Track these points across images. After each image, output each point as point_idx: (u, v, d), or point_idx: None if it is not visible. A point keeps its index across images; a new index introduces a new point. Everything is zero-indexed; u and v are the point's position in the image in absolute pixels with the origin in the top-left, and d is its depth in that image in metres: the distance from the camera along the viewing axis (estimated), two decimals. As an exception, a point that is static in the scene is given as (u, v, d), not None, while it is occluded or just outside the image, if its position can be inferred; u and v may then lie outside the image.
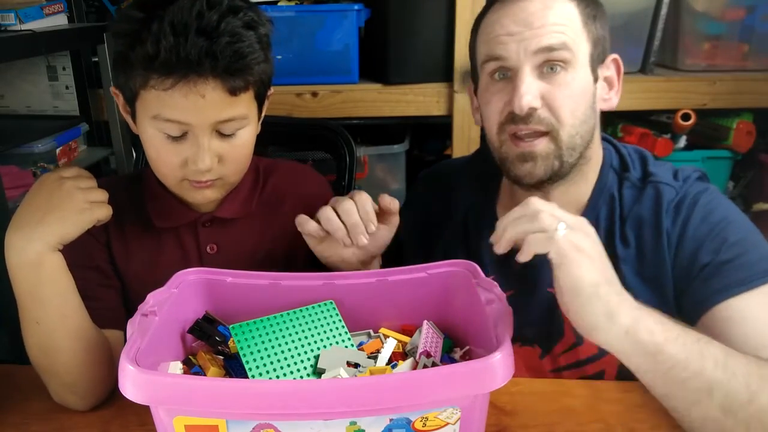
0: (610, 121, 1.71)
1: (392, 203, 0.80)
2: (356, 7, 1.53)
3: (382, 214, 0.80)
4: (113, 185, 0.89)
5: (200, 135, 0.80)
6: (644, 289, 0.83)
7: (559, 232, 0.60)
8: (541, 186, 0.86)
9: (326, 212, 0.78)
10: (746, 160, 1.70)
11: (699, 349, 0.62)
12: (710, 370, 0.61)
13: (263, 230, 0.97)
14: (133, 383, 0.53)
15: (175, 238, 0.94)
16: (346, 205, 0.77)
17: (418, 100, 1.59)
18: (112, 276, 0.93)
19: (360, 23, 1.55)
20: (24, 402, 0.81)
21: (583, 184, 0.88)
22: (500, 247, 0.65)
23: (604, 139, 0.92)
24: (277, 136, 1.35)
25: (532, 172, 0.83)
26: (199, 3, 0.76)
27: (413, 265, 0.76)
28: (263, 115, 0.92)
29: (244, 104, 0.83)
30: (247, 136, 0.86)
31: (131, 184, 0.98)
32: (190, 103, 0.77)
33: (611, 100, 0.88)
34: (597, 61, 0.84)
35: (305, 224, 0.79)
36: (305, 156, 1.63)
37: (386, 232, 0.83)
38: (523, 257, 0.62)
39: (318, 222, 0.79)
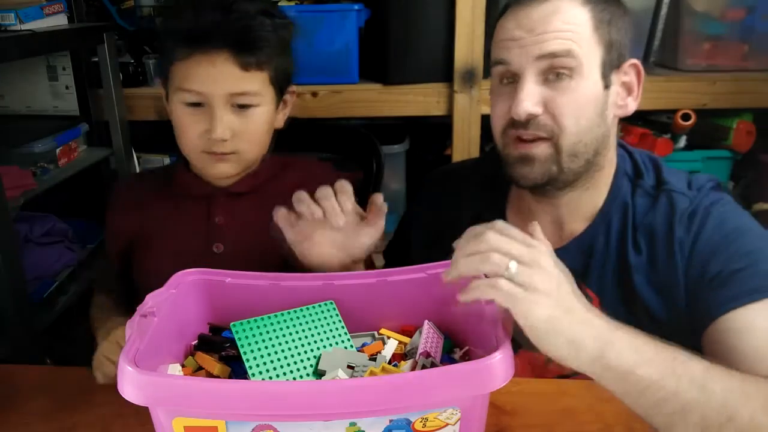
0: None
1: (382, 205, 0.80)
2: (356, 7, 1.53)
3: (369, 214, 0.81)
4: (146, 175, 1.13)
5: (215, 106, 0.91)
6: (656, 297, 0.82)
7: (510, 271, 0.59)
8: (546, 192, 0.85)
9: (300, 194, 0.79)
10: (746, 160, 1.69)
11: (673, 368, 0.60)
12: (685, 390, 0.60)
13: (270, 213, 1.01)
14: (132, 384, 0.53)
15: (188, 209, 1.02)
16: (325, 190, 0.78)
17: (418, 100, 1.59)
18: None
19: (360, 23, 1.55)
20: (24, 402, 0.81)
21: (596, 192, 0.87)
22: (448, 275, 0.63)
23: (618, 145, 0.90)
24: (302, 139, 1.35)
25: (528, 174, 0.82)
26: None
27: (413, 266, 0.76)
28: (287, 111, 1.03)
29: (257, 82, 0.92)
30: (260, 115, 0.95)
31: (162, 172, 1.12)
32: (204, 72, 0.89)
33: (627, 106, 0.86)
34: (611, 66, 0.82)
35: (278, 211, 0.81)
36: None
37: (370, 236, 0.82)
38: (463, 297, 0.61)
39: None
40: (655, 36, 1.60)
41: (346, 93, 1.59)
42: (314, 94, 1.58)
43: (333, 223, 0.78)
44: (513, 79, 0.82)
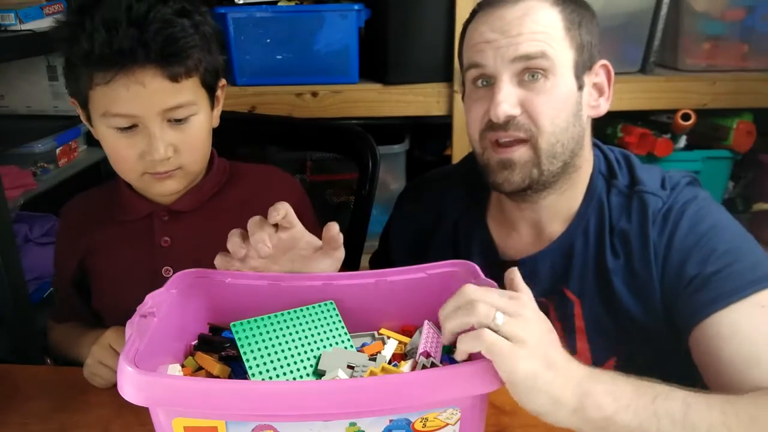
0: (610, 121, 1.71)
1: (336, 235, 0.73)
2: (356, 7, 1.53)
3: (324, 245, 0.75)
4: (90, 195, 1.03)
5: (150, 125, 0.83)
6: (634, 300, 0.82)
7: (497, 321, 0.56)
8: (526, 196, 0.85)
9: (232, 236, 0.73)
10: (746, 160, 1.69)
11: (654, 410, 0.59)
12: (667, 430, 0.59)
13: (222, 229, 0.92)
14: (132, 384, 0.53)
15: (132, 231, 0.97)
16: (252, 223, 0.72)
17: (418, 100, 1.59)
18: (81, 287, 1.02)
19: (360, 23, 1.55)
20: (24, 402, 0.81)
21: (574, 193, 0.87)
22: (445, 339, 0.61)
23: (593, 144, 0.90)
24: (293, 137, 1.35)
25: (509, 178, 0.82)
26: None
27: (412, 266, 0.75)
28: (220, 107, 0.95)
29: (189, 91, 0.85)
30: (199, 123, 0.88)
31: (107, 190, 1.03)
32: (133, 93, 0.81)
33: (599, 106, 0.87)
34: (582, 68, 0.83)
35: (217, 259, 0.74)
36: (309, 156, 1.63)
37: (328, 266, 0.76)
38: (459, 357, 0.58)
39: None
40: (655, 36, 1.60)
41: (346, 93, 1.59)
42: (314, 94, 1.58)
43: (259, 253, 0.70)
44: (488, 82, 0.83)
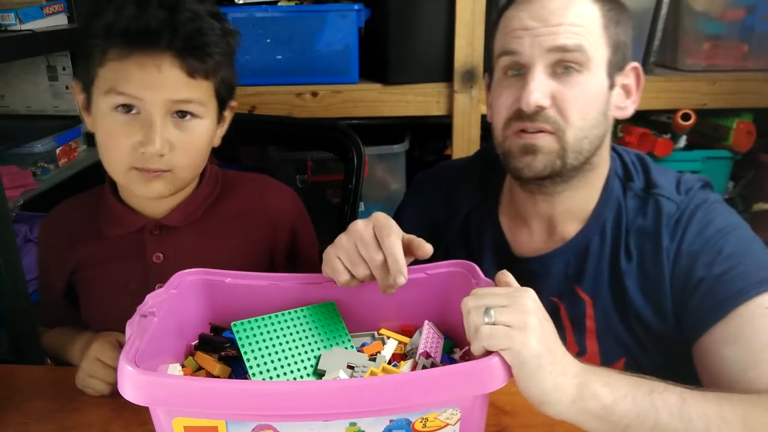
0: (610, 121, 1.71)
1: (425, 250, 0.70)
2: (356, 7, 1.53)
3: (411, 252, 0.71)
4: (75, 204, 0.99)
5: (154, 114, 0.80)
6: (646, 303, 0.82)
7: (489, 318, 0.57)
8: (543, 187, 0.85)
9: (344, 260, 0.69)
10: (746, 160, 1.69)
11: (651, 401, 0.60)
12: (665, 421, 0.60)
13: (217, 243, 0.94)
14: (132, 384, 0.53)
15: (122, 247, 0.93)
16: (372, 253, 0.68)
17: (418, 100, 1.59)
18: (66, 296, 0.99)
19: (360, 23, 1.55)
20: (24, 402, 0.81)
21: (589, 192, 0.87)
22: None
23: None
24: (284, 136, 1.35)
25: (531, 164, 0.81)
26: None
27: (412, 266, 0.75)
28: (225, 128, 0.92)
29: (202, 91, 0.83)
30: (201, 129, 0.85)
31: (92, 198, 0.98)
32: (146, 75, 0.78)
33: (627, 108, 0.86)
34: (615, 67, 0.82)
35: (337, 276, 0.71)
36: (310, 156, 1.63)
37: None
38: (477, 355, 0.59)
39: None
40: (655, 36, 1.60)
41: (346, 93, 1.59)
42: (314, 94, 1.58)
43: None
44: (519, 71, 0.82)
